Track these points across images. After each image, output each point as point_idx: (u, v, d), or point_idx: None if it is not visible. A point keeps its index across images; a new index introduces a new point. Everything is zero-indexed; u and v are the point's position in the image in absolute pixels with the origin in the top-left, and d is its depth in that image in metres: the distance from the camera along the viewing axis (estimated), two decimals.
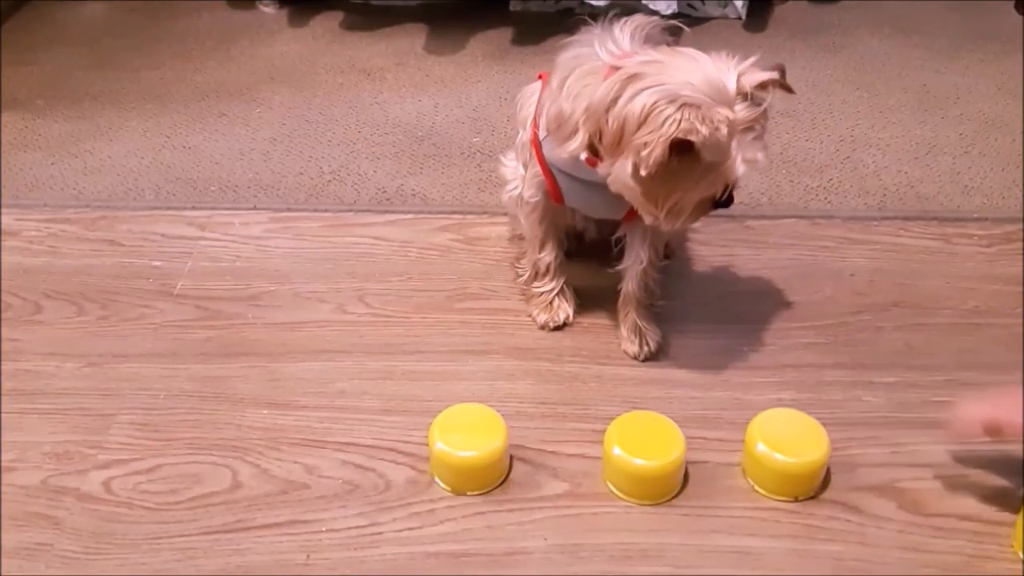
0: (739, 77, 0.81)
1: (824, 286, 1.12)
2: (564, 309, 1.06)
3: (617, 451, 0.85)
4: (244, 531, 0.84)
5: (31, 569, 0.81)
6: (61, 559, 0.82)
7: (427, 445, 0.88)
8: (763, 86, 0.82)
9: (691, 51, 0.84)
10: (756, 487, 0.87)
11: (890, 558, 0.80)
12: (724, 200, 0.86)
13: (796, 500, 0.86)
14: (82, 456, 0.91)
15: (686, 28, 0.96)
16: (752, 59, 0.83)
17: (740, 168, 0.82)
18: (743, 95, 0.81)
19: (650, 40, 0.89)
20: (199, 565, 0.81)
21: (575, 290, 1.08)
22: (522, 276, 1.09)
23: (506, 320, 1.08)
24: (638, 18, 0.90)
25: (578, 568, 0.81)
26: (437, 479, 0.88)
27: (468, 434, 0.87)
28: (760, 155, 0.83)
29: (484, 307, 1.10)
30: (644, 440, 0.86)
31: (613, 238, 1.02)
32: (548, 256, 1.04)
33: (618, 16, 0.90)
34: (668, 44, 0.92)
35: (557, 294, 1.06)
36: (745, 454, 0.88)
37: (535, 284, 1.06)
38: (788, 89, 0.85)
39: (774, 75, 0.83)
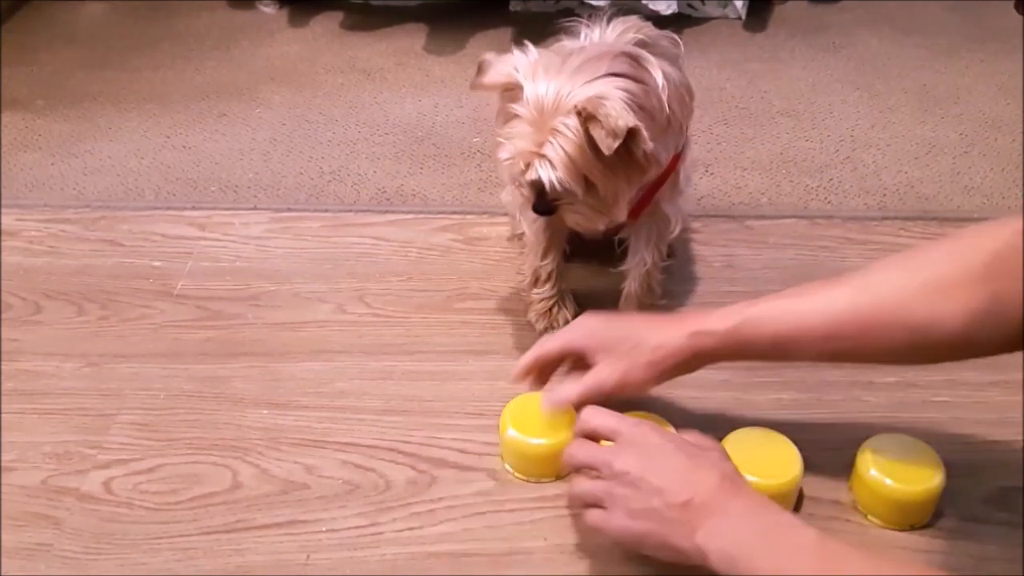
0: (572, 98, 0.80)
1: None
2: (563, 316, 1.05)
3: None
4: (244, 531, 0.84)
5: (31, 569, 0.81)
6: (61, 559, 0.82)
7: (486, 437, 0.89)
8: (578, 114, 0.80)
9: (572, 56, 0.83)
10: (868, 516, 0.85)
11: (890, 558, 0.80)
12: (536, 206, 0.89)
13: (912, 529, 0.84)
14: (82, 456, 0.91)
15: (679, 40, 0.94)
16: (603, 73, 0.81)
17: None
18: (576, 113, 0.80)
19: (655, 47, 0.89)
20: (199, 565, 0.81)
21: (575, 293, 1.07)
22: (523, 282, 1.08)
23: (506, 320, 1.08)
24: (632, 19, 0.89)
25: (578, 568, 0.81)
26: (507, 466, 0.89)
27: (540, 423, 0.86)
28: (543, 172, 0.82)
29: (484, 307, 1.10)
30: None
31: (616, 238, 1.02)
32: (550, 264, 1.03)
33: (619, 14, 0.90)
34: (675, 53, 0.93)
35: (557, 301, 1.05)
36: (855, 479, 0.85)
37: (535, 290, 1.05)
38: (611, 134, 0.78)
39: (585, 106, 0.79)
